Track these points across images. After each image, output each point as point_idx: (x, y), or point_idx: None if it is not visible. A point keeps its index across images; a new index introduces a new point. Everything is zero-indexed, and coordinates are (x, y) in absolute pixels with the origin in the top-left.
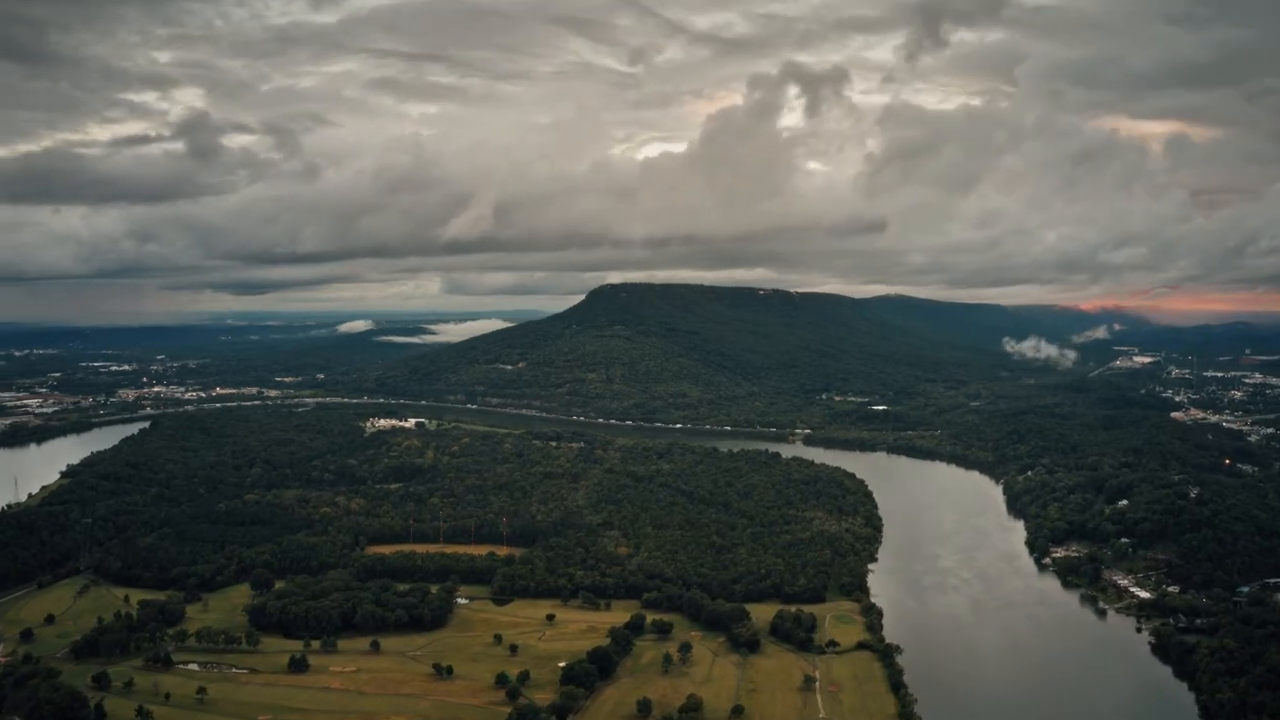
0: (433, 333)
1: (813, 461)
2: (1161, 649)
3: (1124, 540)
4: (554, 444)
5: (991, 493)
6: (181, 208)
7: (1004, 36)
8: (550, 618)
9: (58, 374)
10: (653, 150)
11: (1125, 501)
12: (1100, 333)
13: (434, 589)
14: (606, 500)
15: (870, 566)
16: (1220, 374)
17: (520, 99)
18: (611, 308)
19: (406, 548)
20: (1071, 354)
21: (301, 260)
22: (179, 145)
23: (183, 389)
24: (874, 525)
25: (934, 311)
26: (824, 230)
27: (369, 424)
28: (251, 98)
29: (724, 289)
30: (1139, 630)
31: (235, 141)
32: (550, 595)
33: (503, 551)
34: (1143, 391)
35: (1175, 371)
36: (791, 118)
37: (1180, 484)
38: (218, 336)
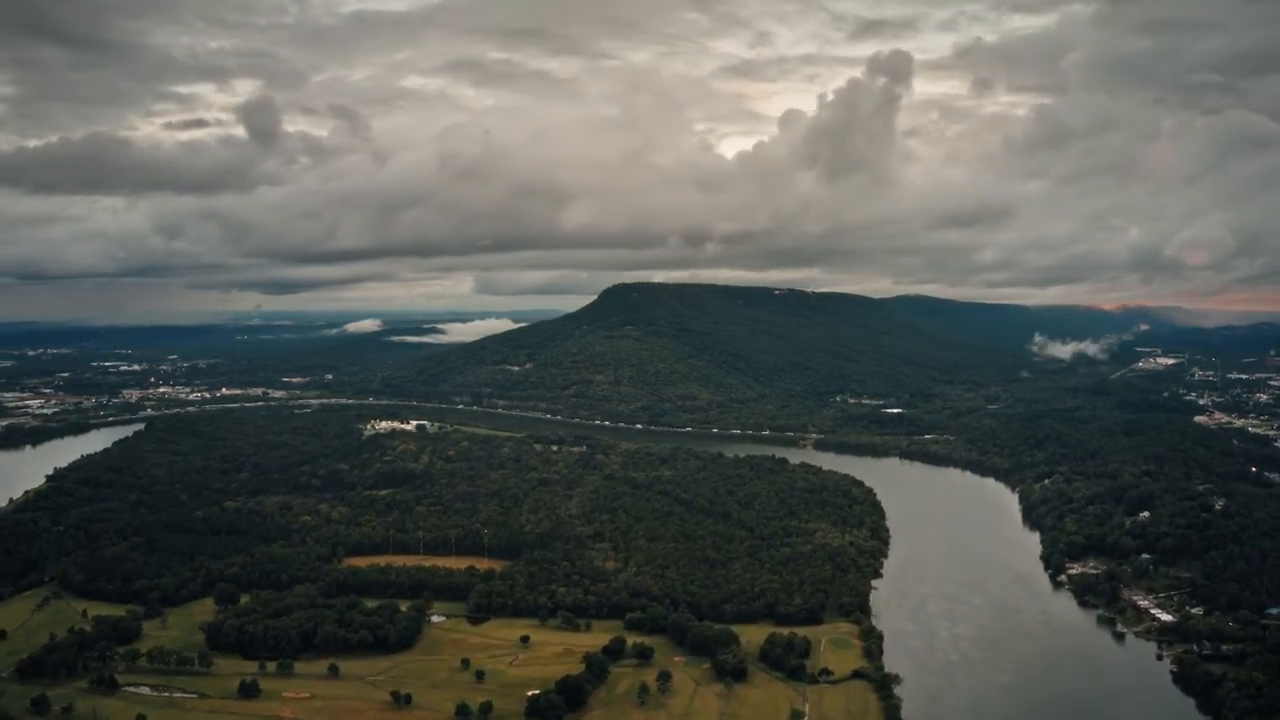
0: (442, 332)
1: (820, 468)
2: (1184, 679)
3: (1144, 556)
4: (555, 448)
5: (1007, 502)
6: (224, 200)
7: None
8: (525, 640)
9: (66, 374)
10: (746, 140)
11: (1146, 513)
12: (1123, 334)
13: (404, 606)
14: (601, 509)
15: (874, 583)
16: (1245, 376)
17: (607, 80)
18: (623, 308)
19: (385, 560)
20: (1093, 355)
21: (337, 258)
22: (235, 131)
23: (189, 389)
24: (880, 538)
25: (954, 311)
26: (927, 223)
27: (369, 426)
28: (311, 87)
29: (738, 288)
30: (1160, 658)
31: (295, 126)
32: (529, 614)
33: (484, 565)
34: (1165, 394)
35: (1199, 373)
36: (908, 106)
37: (1205, 495)
38: (234, 336)
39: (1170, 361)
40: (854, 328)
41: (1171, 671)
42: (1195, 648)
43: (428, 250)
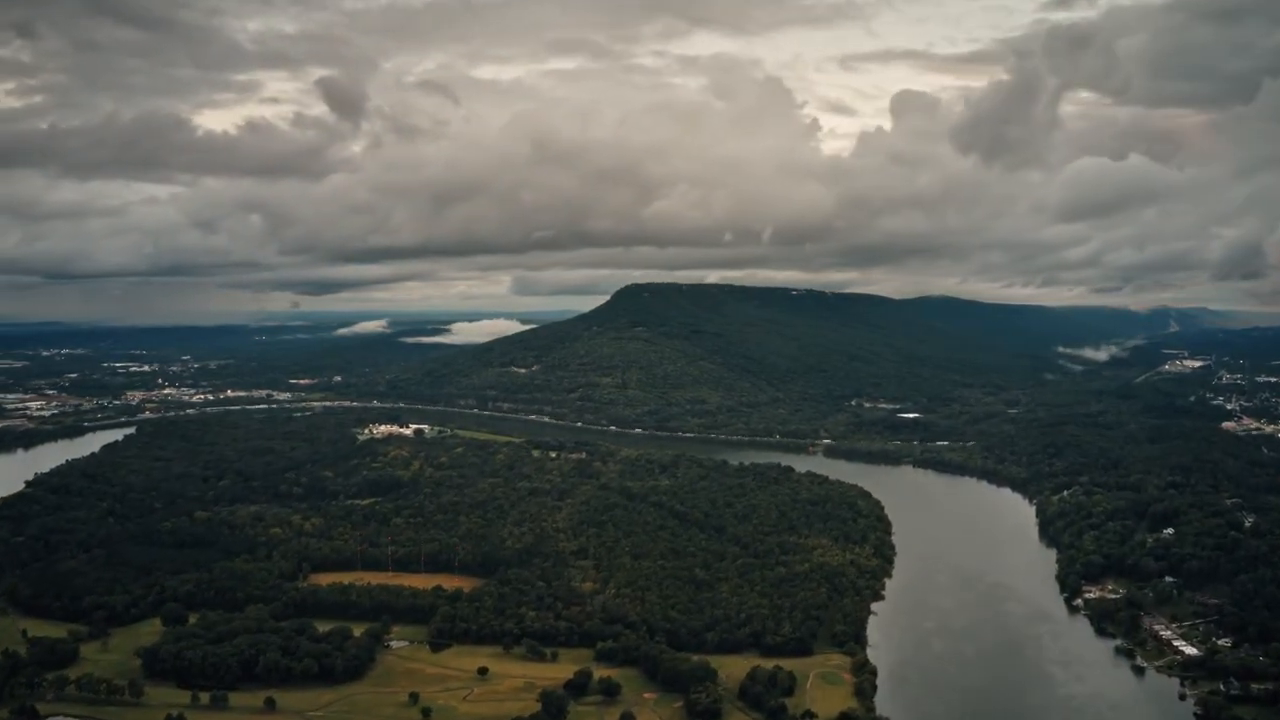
0: (449, 332)
1: (827, 478)
2: None
3: (1168, 580)
4: (553, 454)
5: (1023, 515)
6: (277, 188)
7: None
8: (483, 671)
9: (75, 375)
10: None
11: (1170, 530)
12: (1150, 335)
13: (360, 631)
14: (589, 522)
15: (874, 607)
16: (1274, 379)
17: (703, 69)
18: (634, 308)
19: (353, 576)
20: (1118, 357)
21: (382, 256)
22: (304, 113)
23: (194, 391)
24: (884, 555)
25: (978, 313)
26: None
27: (368, 430)
28: (381, 74)
29: (755, 289)
30: (1183, 697)
31: (365, 113)
32: (493, 640)
33: (455, 584)
34: (1192, 398)
35: (1226, 376)
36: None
37: (1233, 510)
38: (253, 337)
39: (1197, 364)
40: (872, 329)
41: (1196, 715)
42: (1222, 686)
43: (477, 247)
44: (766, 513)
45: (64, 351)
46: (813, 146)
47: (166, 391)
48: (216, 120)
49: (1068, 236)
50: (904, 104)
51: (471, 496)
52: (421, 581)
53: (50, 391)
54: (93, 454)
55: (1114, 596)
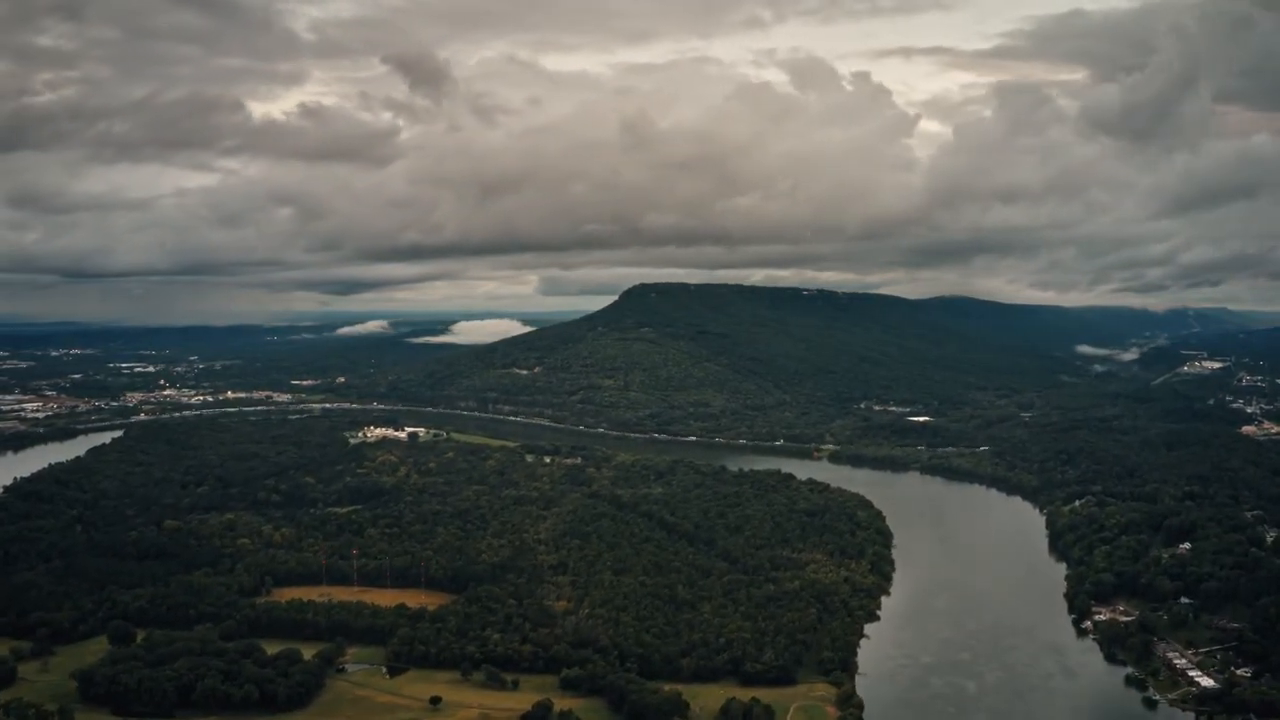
0: (451, 332)
1: (827, 486)
2: None
3: (1183, 601)
4: (547, 460)
5: (1033, 526)
6: (313, 176)
7: None
8: (436, 700)
9: (79, 375)
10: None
11: (1187, 545)
12: (1168, 335)
13: (312, 653)
14: (573, 534)
15: (867, 629)
16: None
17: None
18: (640, 309)
19: (319, 592)
20: (1136, 358)
21: (408, 256)
22: (363, 98)
23: (194, 392)
24: (883, 571)
25: (994, 313)
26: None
27: (363, 433)
28: (440, 63)
29: (765, 289)
30: None
31: (423, 102)
32: (453, 665)
33: (421, 600)
34: (1210, 401)
35: (1246, 378)
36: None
37: (1254, 525)
38: (265, 337)
39: (1216, 365)
40: (886, 330)
41: None
42: None
43: (516, 244)
44: (760, 524)
45: (74, 352)
46: (905, 140)
47: (167, 393)
48: (267, 105)
49: (1156, 232)
50: (1005, 94)
51: (454, 505)
52: (389, 598)
53: (50, 392)
54: (77, 458)
55: (1125, 619)
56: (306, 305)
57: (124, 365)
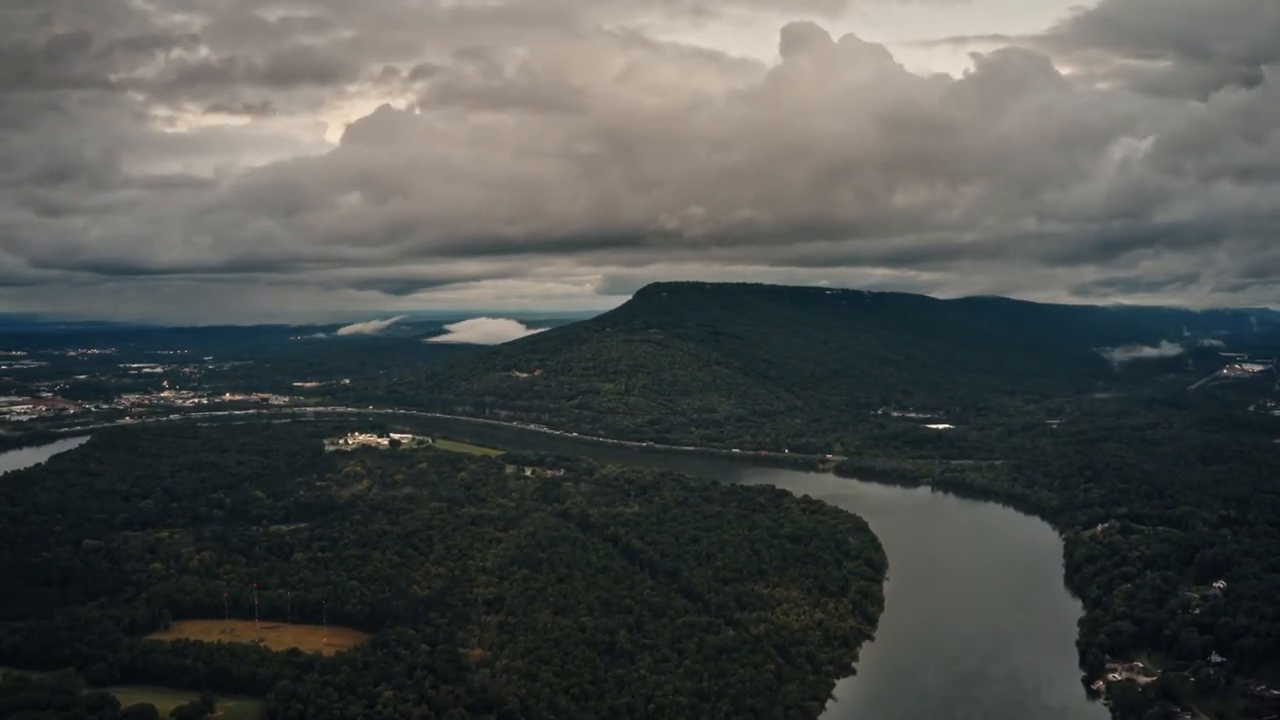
0: (448, 332)
1: (822, 504)
2: None
3: (1214, 660)
4: (528, 471)
5: (1049, 553)
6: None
7: None
8: None
9: (84, 376)
10: None
11: (1221, 584)
12: (1208, 336)
13: (172, 709)
14: (523, 561)
15: (838, 687)
16: None
17: None
18: (651, 309)
19: (221, 627)
20: (1172, 360)
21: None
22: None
23: (192, 394)
24: (866, 612)
25: (1028, 313)
26: None
27: (344, 440)
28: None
29: (785, 288)
30: None
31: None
32: None
33: (326, 642)
34: (1251, 408)
35: None
36: None
37: None
38: (288, 337)
39: (1257, 368)
40: (910, 331)
41: None
42: None
43: (598, 242)
44: (735, 553)
45: (91, 351)
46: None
47: (165, 395)
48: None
49: None
50: None
51: (405, 525)
52: (292, 637)
53: (45, 394)
54: (37, 465)
55: (1145, 680)
56: (361, 305)
57: (134, 366)
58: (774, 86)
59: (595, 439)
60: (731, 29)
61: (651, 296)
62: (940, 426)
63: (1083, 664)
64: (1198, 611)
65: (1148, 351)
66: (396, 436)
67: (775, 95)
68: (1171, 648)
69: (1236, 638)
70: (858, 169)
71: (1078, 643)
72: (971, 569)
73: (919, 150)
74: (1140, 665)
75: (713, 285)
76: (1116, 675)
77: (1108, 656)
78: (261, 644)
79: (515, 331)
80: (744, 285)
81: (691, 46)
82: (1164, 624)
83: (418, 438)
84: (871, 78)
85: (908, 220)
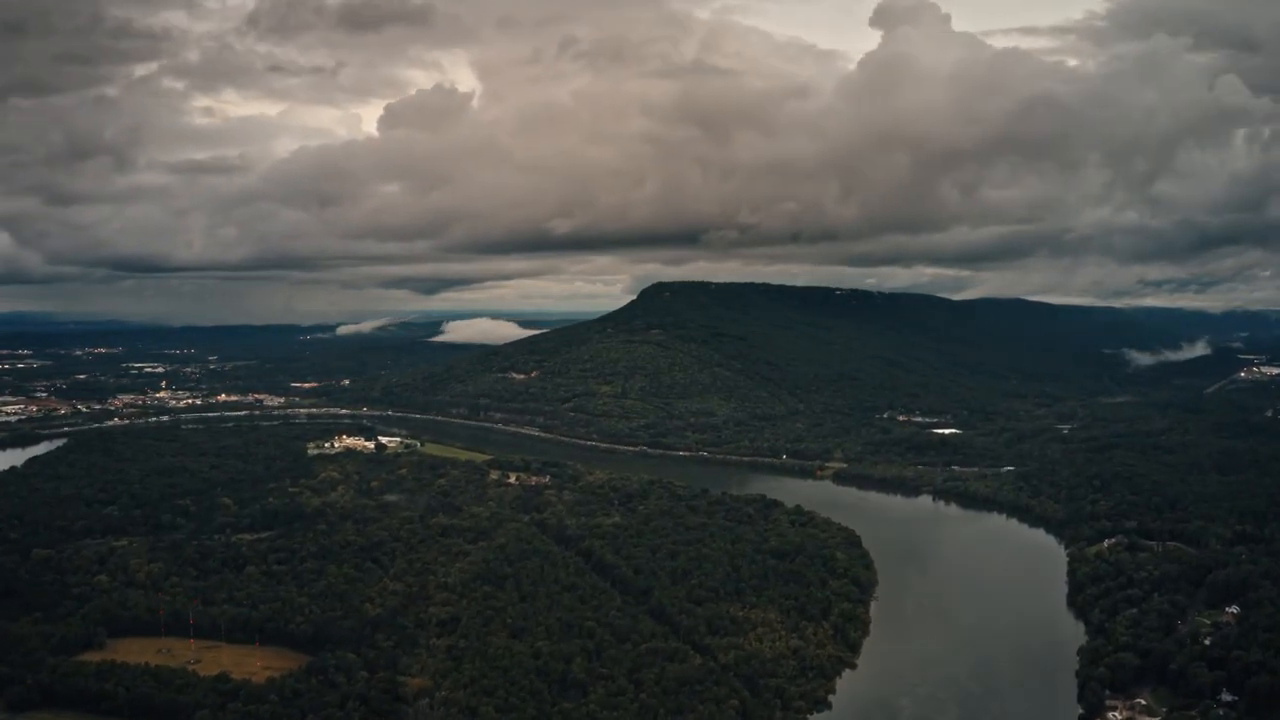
0: (443, 332)
1: (813, 516)
2: None
3: (1225, 699)
4: (512, 477)
5: (1053, 570)
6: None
7: None
8: None
9: (84, 376)
10: None
11: (1234, 609)
12: (1227, 338)
13: None
14: (488, 577)
15: None
16: None
17: None
18: (653, 309)
19: (158, 646)
20: (1189, 363)
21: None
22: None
23: (189, 395)
24: (848, 638)
25: (1042, 314)
26: None
27: (329, 443)
28: None
29: (793, 288)
30: None
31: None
32: None
33: (264, 665)
34: (1269, 413)
35: None
36: None
37: None
38: (298, 337)
39: (1276, 371)
40: (920, 332)
41: None
42: None
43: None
44: (714, 569)
45: (96, 351)
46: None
47: (159, 395)
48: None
49: None
50: None
51: (370, 535)
52: (228, 659)
53: (40, 394)
54: (12, 468)
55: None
56: (389, 304)
57: (135, 366)
58: (869, 74)
59: (588, 443)
60: (824, 14)
61: (654, 296)
62: (946, 431)
63: (1080, 699)
64: (1208, 642)
65: (1164, 353)
66: (384, 440)
67: (872, 82)
68: (1178, 683)
69: (1250, 675)
70: (959, 159)
71: (1077, 674)
72: (967, 589)
73: (1033, 137)
74: (1143, 703)
75: (717, 285)
76: (1117, 715)
77: (1108, 692)
78: (192, 667)
79: (516, 332)
80: (751, 285)
81: (784, 32)
82: (1171, 656)
83: (405, 441)
84: (979, 64)
85: (1006, 213)
